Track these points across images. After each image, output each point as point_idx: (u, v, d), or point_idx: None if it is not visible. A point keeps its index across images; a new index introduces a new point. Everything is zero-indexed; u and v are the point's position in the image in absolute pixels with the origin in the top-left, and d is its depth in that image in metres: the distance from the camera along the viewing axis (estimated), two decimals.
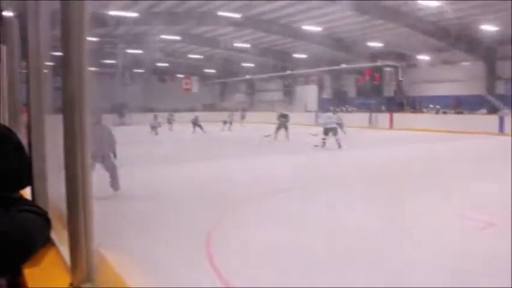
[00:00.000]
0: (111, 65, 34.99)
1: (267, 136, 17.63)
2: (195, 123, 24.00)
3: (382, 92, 31.20)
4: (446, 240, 5.13)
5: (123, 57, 32.51)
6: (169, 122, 26.27)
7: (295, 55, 32.12)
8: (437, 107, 26.14)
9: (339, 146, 14.69)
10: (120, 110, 32.01)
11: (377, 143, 17.42)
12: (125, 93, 35.91)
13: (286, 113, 18.61)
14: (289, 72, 34.98)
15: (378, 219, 5.98)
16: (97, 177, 6.53)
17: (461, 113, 24.27)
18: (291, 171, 10.30)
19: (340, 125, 15.99)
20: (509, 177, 9.30)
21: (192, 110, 27.32)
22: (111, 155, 7.48)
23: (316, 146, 14.92)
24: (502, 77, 24.86)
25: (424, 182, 8.89)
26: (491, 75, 25.32)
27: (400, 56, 28.29)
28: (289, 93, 39.38)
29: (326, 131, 15.10)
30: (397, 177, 9.61)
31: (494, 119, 20.87)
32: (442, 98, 26.84)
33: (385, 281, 3.92)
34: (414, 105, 28.42)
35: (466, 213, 6.20)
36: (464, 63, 26.62)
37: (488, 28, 20.95)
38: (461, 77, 26.68)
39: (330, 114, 16.18)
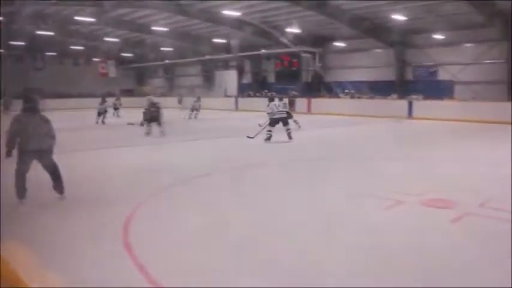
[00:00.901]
0: (20, 47, 32.72)
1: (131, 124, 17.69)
2: (116, 108, 24.40)
3: (300, 78, 31.89)
4: (356, 220, 5.32)
5: (33, 38, 30.43)
6: (116, 107, 24.67)
7: (215, 40, 31.81)
8: (352, 91, 27.21)
9: (290, 138, 12.72)
10: (28, 96, 29.89)
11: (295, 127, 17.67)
12: (36, 78, 33.82)
13: (156, 101, 14.87)
14: (208, 57, 34.61)
15: (298, 202, 6.14)
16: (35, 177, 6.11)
17: (373, 97, 25.37)
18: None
19: (289, 113, 14.23)
20: (417, 157, 9.96)
21: (109, 95, 26.04)
22: (51, 150, 6.13)
23: (249, 137, 12.97)
24: (411, 63, 26.53)
25: (336, 164, 9.20)
26: (401, 62, 26.78)
27: (318, 43, 29.02)
28: (208, 78, 39.11)
29: (273, 122, 12.84)
30: (311, 160, 9.83)
31: (404, 103, 22.01)
32: (356, 83, 27.96)
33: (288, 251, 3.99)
34: (331, 90, 29.32)
35: (375, 192, 6.47)
36: (377, 51, 27.97)
37: (399, 17, 21.97)
38: (374, 63, 28.05)
39: (277, 102, 13.58)
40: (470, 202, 5.90)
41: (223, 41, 31.56)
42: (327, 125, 18.56)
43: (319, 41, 29.16)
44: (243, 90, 34.56)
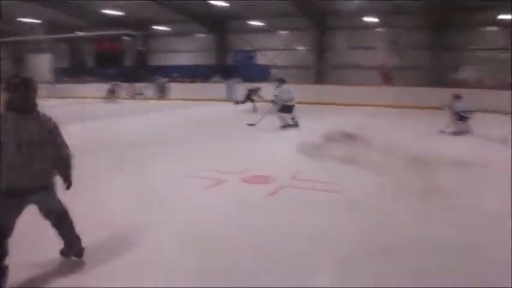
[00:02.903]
0: None
1: None
2: None
3: (123, 61, 30.68)
4: (177, 199, 5.32)
5: None
6: None
7: (22, 19, 28.44)
8: (175, 75, 27.06)
9: (297, 125, 11.92)
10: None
11: (113, 113, 16.92)
12: None
13: None
14: (15, 38, 30.84)
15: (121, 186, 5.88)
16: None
17: (194, 81, 25.54)
18: None
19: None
20: (244, 137, 10.35)
21: None
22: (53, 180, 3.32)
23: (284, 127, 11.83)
24: (231, 48, 27.60)
25: (158, 148, 9.07)
26: (221, 47, 27.65)
27: (140, 26, 28.16)
28: (19, 62, 35.03)
29: (287, 109, 11.85)
30: (133, 144, 9.50)
31: (223, 87, 22.72)
32: (179, 67, 27.94)
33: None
34: (153, 74, 28.78)
35: (199, 173, 6.53)
36: (199, 35, 28.35)
37: (219, 3, 22.47)
38: (196, 47, 28.44)
39: (286, 86, 12.26)
40: (284, 175, 6.37)
41: (33, 20, 28.50)
42: (148, 110, 18.20)
43: (142, 24, 28.25)
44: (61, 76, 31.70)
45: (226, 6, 22.93)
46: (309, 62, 25.13)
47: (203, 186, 5.86)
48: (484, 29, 22.56)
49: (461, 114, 11.41)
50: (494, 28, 22.30)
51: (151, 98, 23.47)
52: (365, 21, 23.59)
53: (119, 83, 23.95)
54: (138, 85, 24.64)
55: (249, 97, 17.01)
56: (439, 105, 12.60)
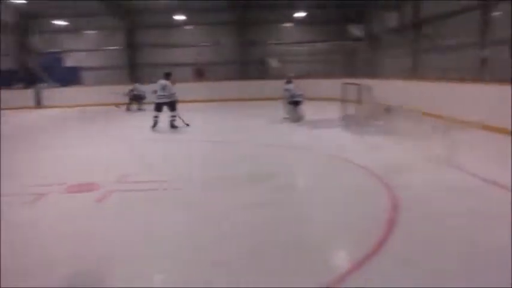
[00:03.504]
0: None
1: None
2: None
3: None
4: None
5: None
6: None
7: None
8: None
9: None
10: None
11: None
12: None
13: None
14: None
15: None
16: None
17: None
18: None
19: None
20: (53, 145, 9.79)
21: None
22: None
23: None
24: (34, 51, 25.33)
25: None
26: (24, 49, 25.25)
27: None
28: None
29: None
30: None
31: (31, 92, 21.00)
32: None
33: None
34: None
35: (12, 190, 6.09)
36: None
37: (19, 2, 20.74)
38: None
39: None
40: (110, 180, 6.35)
41: None
42: None
43: None
44: None
45: (23, 4, 21.11)
46: (121, 61, 24.62)
47: (20, 203, 5.49)
48: (282, 25, 24.99)
49: (293, 99, 12.55)
50: (291, 24, 24.91)
51: None
52: (175, 19, 24.03)
53: None
54: None
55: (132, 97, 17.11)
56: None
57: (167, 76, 12.01)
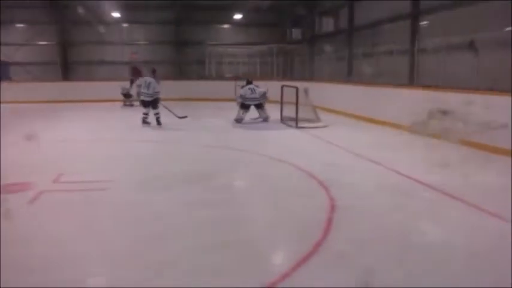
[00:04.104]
0: None
1: None
2: None
3: None
4: None
5: None
6: None
7: None
8: None
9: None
10: None
11: None
12: None
13: None
14: None
15: None
16: None
17: None
18: None
19: None
20: None
21: None
22: None
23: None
24: None
25: None
26: None
27: None
28: None
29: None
30: None
31: None
32: None
33: None
34: None
35: None
36: None
37: None
38: None
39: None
40: (46, 180, 6.10)
41: None
42: None
43: None
44: None
45: None
46: (52, 58, 23.53)
47: None
48: (220, 27, 25.09)
49: (244, 102, 12.67)
50: (229, 26, 25.08)
51: None
52: (110, 17, 23.37)
53: None
54: None
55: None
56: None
57: (153, 73, 12.14)
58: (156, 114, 11.80)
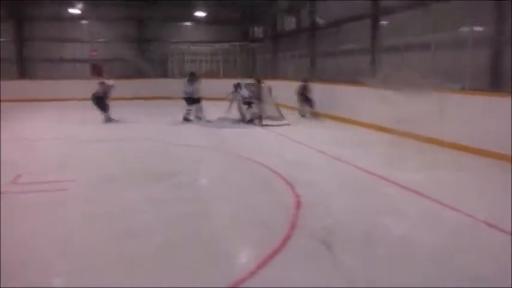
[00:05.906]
0: None
1: None
2: None
3: None
4: None
5: None
6: None
7: None
8: None
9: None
10: None
11: None
12: None
13: None
14: None
15: None
16: None
17: None
18: None
19: None
20: None
21: None
22: None
23: None
24: None
25: None
26: None
27: None
28: None
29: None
30: None
31: None
32: None
33: None
34: None
35: None
36: None
37: None
38: None
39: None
40: (2, 182, 5.90)
41: None
42: None
43: None
44: None
45: None
46: (9, 54, 22.59)
47: None
48: (182, 24, 24.90)
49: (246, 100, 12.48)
50: (192, 23, 24.99)
51: None
52: (69, 13, 22.75)
53: None
54: None
55: None
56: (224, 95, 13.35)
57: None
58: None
